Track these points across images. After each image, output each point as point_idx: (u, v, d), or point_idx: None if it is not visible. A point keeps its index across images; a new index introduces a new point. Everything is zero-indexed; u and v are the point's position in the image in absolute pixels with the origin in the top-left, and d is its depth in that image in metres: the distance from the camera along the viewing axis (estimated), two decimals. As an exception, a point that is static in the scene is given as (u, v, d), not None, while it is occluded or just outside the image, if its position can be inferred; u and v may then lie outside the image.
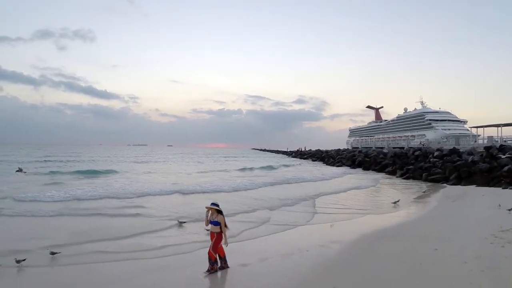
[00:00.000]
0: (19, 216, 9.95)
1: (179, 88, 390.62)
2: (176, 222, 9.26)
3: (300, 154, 78.51)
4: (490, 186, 17.55)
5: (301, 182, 22.10)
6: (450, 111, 64.57)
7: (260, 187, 18.59)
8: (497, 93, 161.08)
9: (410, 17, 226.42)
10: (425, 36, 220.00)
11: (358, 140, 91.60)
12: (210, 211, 5.90)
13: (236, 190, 16.78)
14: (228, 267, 5.91)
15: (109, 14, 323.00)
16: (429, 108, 67.58)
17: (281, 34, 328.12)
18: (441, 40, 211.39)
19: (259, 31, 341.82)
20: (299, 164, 48.17)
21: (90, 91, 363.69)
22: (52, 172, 24.04)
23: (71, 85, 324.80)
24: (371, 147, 62.82)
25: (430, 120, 62.71)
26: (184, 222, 9.24)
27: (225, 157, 75.95)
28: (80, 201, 12.53)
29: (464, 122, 62.11)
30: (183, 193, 15.47)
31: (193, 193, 15.60)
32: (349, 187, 19.34)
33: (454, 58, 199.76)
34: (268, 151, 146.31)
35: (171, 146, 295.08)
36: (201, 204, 10.92)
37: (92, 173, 24.37)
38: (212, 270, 5.73)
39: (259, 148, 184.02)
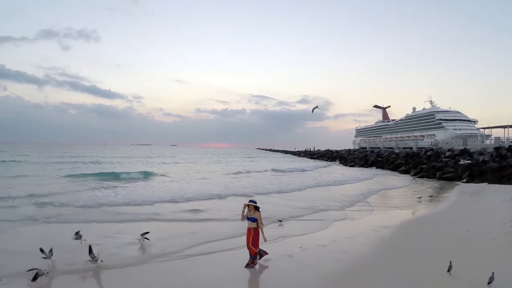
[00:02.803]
0: (104, 222, 9.82)
1: (183, 88, 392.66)
2: (277, 221, 10.28)
3: (310, 154, 79.97)
4: (500, 184, 19.36)
5: (343, 184, 22.77)
6: (460, 111, 63.89)
7: (305, 189, 19.33)
8: (505, 93, 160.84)
9: (416, 15, 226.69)
10: (431, 35, 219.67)
11: (365, 140, 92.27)
12: (247, 208, 6.43)
13: (286, 192, 17.65)
14: (257, 263, 6.38)
15: (113, 14, 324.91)
16: (439, 108, 66.59)
17: (285, 34, 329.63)
18: (448, 39, 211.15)
19: (263, 30, 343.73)
20: (328, 165, 47.46)
21: (94, 90, 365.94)
22: (97, 174, 24.25)
23: (75, 85, 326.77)
24: (379, 147, 63.92)
25: (440, 119, 62.00)
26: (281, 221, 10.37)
27: (240, 157, 76.21)
28: (147, 206, 12.48)
29: (475, 122, 61.36)
30: (237, 195, 15.86)
31: (248, 195, 14.79)
32: (386, 187, 20.77)
33: (462, 57, 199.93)
34: (274, 151, 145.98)
35: (175, 145, 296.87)
36: (267, 207, 11.91)
37: (134, 175, 24.20)
38: (252, 264, 6.26)
39: (264, 148, 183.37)
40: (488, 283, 4.80)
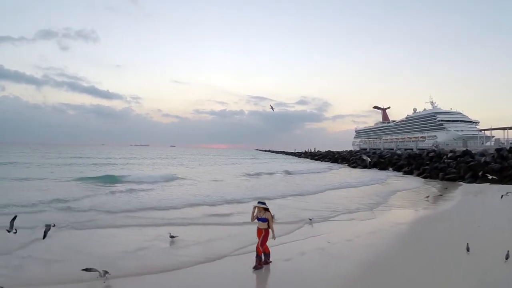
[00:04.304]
0: (139, 226, 9.84)
1: (182, 89, 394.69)
2: (308, 219, 10.88)
3: (311, 155, 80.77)
4: (502, 184, 20.29)
5: (360, 186, 22.73)
6: (462, 112, 64.04)
7: (324, 191, 19.46)
8: (507, 93, 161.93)
9: (417, 16, 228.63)
10: (432, 35, 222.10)
11: (365, 141, 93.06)
12: (257, 209, 6.54)
13: (306, 194, 17.80)
14: (270, 262, 6.54)
15: (112, 14, 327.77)
16: (440, 109, 66.89)
17: (284, 35, 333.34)
18: (449, 39, 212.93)
19: (262, 31, 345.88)
20: (339, 168, 46.43)
21: (92, 91, 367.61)
22: (110, 177, 23.52)
23: (74, 85, 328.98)
24: (380, 148, 64.66)
25: (441, 120, 62.19)
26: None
27: (244, 158, 75.95)
28: (173, 210, 12.50)
29: (476, 123, 61.57)
30: (258, 197, 14.75)
31: (268, 198, 14.48)
32: (398, 188, 21.05)
33: (463, 57, 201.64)
34: (273, 152, 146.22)
35: (174, 146, 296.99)
36: (292, 210, 12.74)
37: (149, 179, 23.41)
38: (258, 265, 6.31)
39: (263, 149, 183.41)
40: (506, 259, 5.74)
